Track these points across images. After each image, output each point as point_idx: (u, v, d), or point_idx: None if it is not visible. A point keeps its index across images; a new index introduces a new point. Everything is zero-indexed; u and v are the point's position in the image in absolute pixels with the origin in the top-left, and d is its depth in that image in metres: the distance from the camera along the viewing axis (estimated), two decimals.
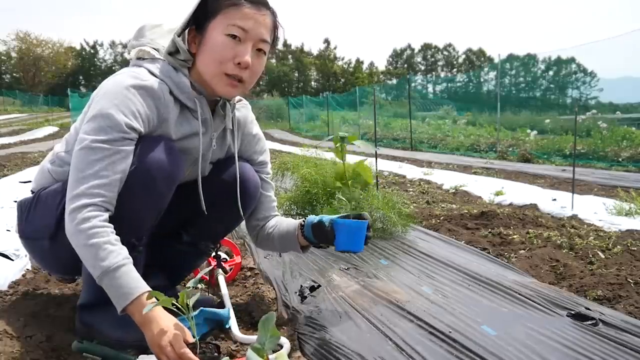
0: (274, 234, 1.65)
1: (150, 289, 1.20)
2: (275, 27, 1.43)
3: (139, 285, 1.20)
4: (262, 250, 2.46)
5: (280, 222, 1.68)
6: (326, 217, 1.57)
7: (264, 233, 1.68)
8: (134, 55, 1.42)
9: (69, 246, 1.38)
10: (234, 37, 1.33)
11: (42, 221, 1.42)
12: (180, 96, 1.38)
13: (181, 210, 1.54)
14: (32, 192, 1.53)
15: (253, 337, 1.35)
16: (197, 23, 1.37)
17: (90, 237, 1.19)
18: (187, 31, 1.38)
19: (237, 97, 1.57)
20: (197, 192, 1.50)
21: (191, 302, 1.16)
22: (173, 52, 1.40)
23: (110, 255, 1.20)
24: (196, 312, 1.44)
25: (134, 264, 1.27)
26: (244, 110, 1.63)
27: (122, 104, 1.26)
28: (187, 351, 1.13)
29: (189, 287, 1.28)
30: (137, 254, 1.38)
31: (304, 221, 1.61)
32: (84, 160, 1.23)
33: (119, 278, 1.19)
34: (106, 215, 1.24)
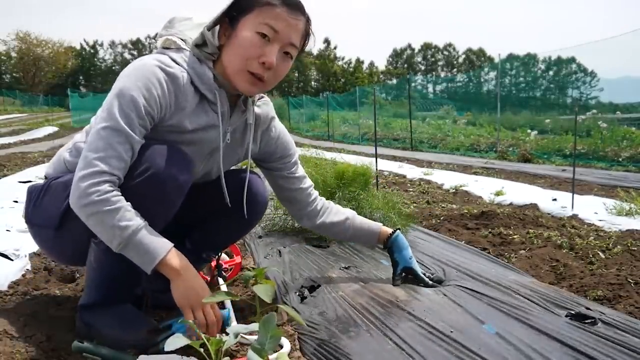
0: (342, 226, 1.79)
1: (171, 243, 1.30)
2: (307, 34, 1.43)
3: (165, 241, 1.28)
4: (262, 250, 2.46)
5: (338, 210, 1.80)
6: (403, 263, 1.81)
7: (317, 222, 1.77)
8: (160, 44, 1.42)
9: (72, 239, 1.38)
10: (263, 36, 1.33)
11: (48, 211, 1.42)
12: (200, 86, 1.38)
13: (187, 214, 1.54)
14: (45, 177, 1.53)
15: (253, 337, 1.35)
16: (231, 17, 1.37)
17: (114, 202, 1.22)
18: (219, 24, 1.38)
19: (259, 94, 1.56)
20: (203, 195, 1.50)
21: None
22: (200, 44, 1.40)
23: (136, 216, 1.25)
24: None
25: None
26: (264, 107, 1.60)
27: (144, 87, 1.27)
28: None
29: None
30: None
31: (391, 234, 1.82)
32: (106, 140, 1.24)
33: (146, 236, 1.25)
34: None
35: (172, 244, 1.30)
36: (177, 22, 1.47)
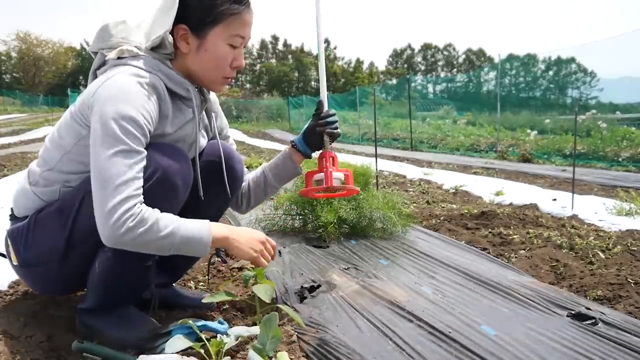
0: (259, 181, 1.78)
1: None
2: None
3: (201, 222, 1.32)
4: None
5: (254, 173, 1.82)
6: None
7: (245, 191, 1.79)
8: (114, 56, 1.37)
9: (80, 263, 1.35)
10: (234, 45, 1.41)
11: (47, 245, 1.36)
12: (174, 87, 1.39)
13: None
14: (17, 216, 1.46)
15: (255, 329, 1.35)
16: (190, 23, 1.36)
17: (147, 219, 1.21)
18: (174, 28, 1.37)
19: None
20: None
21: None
22: (155, 47, 1.39)
23: (171, 219, 1.27)
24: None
25: (148, 273, 1.38)
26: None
27: (137, 104, 1.26)
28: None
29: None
30: (152, 262, 1.39)
31: (293, 143, 1.76)
32: (122, 163, 1.21)
33: (187, 230, 1.28)
34: None
35: (207, 221, 1.34)
36: (113, 29, 1.43)
